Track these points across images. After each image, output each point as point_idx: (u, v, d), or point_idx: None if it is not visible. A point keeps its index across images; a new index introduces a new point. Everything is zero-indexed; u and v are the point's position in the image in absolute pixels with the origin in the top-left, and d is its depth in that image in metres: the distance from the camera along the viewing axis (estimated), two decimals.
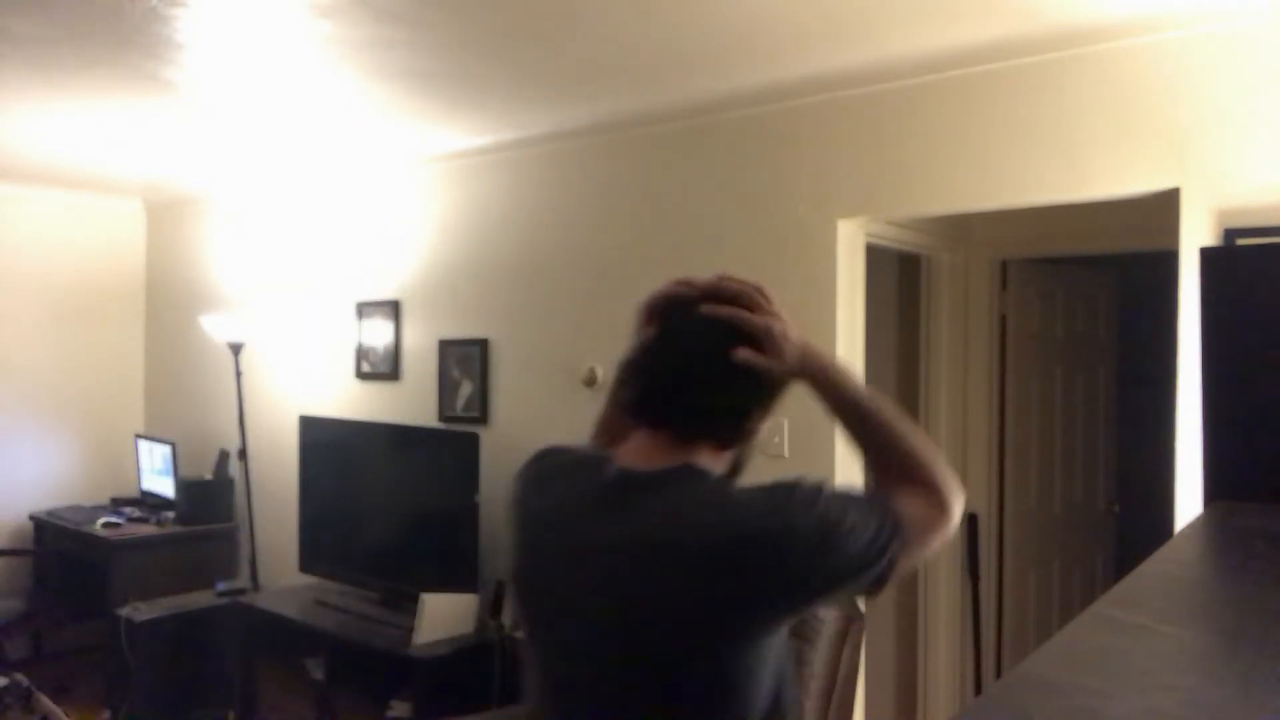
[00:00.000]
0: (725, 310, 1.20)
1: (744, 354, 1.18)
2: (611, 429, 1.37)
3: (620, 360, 1.28)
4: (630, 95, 3.40)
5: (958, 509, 1.23)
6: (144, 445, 5.58)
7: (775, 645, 1.15)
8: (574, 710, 1.22)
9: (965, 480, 4.11)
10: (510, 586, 1.35)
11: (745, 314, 1.20)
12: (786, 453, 3.29)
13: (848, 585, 1.14)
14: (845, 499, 1.16)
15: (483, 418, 4.21)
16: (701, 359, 1.21)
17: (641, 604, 1.12)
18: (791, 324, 1.23)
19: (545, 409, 4.04)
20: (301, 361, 5.04)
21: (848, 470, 3.08)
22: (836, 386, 1.25)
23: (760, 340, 1.20)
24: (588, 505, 1.21)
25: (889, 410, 1.25)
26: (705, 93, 3.33)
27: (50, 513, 5.30)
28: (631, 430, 1.25)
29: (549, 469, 1.31)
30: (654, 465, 1.19)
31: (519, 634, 3.71)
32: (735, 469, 1.27)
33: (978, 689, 4.10)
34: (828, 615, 2.29)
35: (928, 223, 3.83)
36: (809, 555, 1.09)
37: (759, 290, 1.24)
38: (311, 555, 4.54)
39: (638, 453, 1.22)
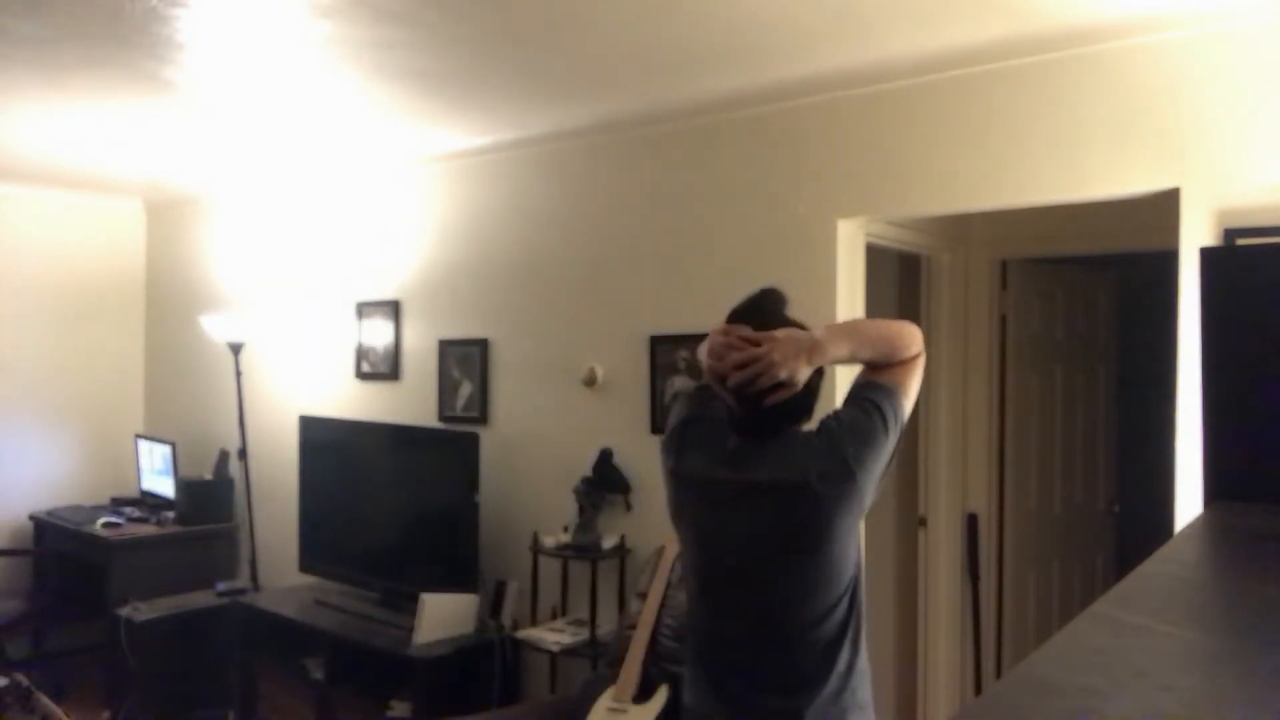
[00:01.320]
0: (756, 390, 1.70)
1: (772, 399, 1.72)
2: None
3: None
4: (630, 95, 3.40)
5: (921, 346, 1.84)
6: (144, 445, 5.58)
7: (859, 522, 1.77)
8: (741, 592, 1.80)
9: (965, 480, 4.13)
10: (673, 520, 1.93)
11: (760, 382, 1.69)
12: None
13: (893, 453, 1.75)
14: (859, 412, 1.74)
15: (483, 418, 4.21)
16: (769, 414, 1.75)
17: (785, 519, 1.73)
18: (783, 346, 1.69)
19: (545, 409, 4.04)
20: (301, 361, 5.04)
21: None
22: (839, 359, 1.77)
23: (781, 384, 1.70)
24: (724, 462, 1.80)
25: (873, 336, 1.80)
26: (705, 93, 3.33)
27: (50, 513, 5.30)
28: None
29: (687, 441, 1.87)
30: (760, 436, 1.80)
31: (519, 634, 3.73)
32: None
33: (978, 689, 4.10)
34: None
35: (928, 223, 3.83)
36: (869, 470, 1.70)
37: (756, 343, 1.71)
38: (311, 555, 4.54)
39: None
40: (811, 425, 1.80)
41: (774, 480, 1.73)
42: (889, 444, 1.73)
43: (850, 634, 1.74)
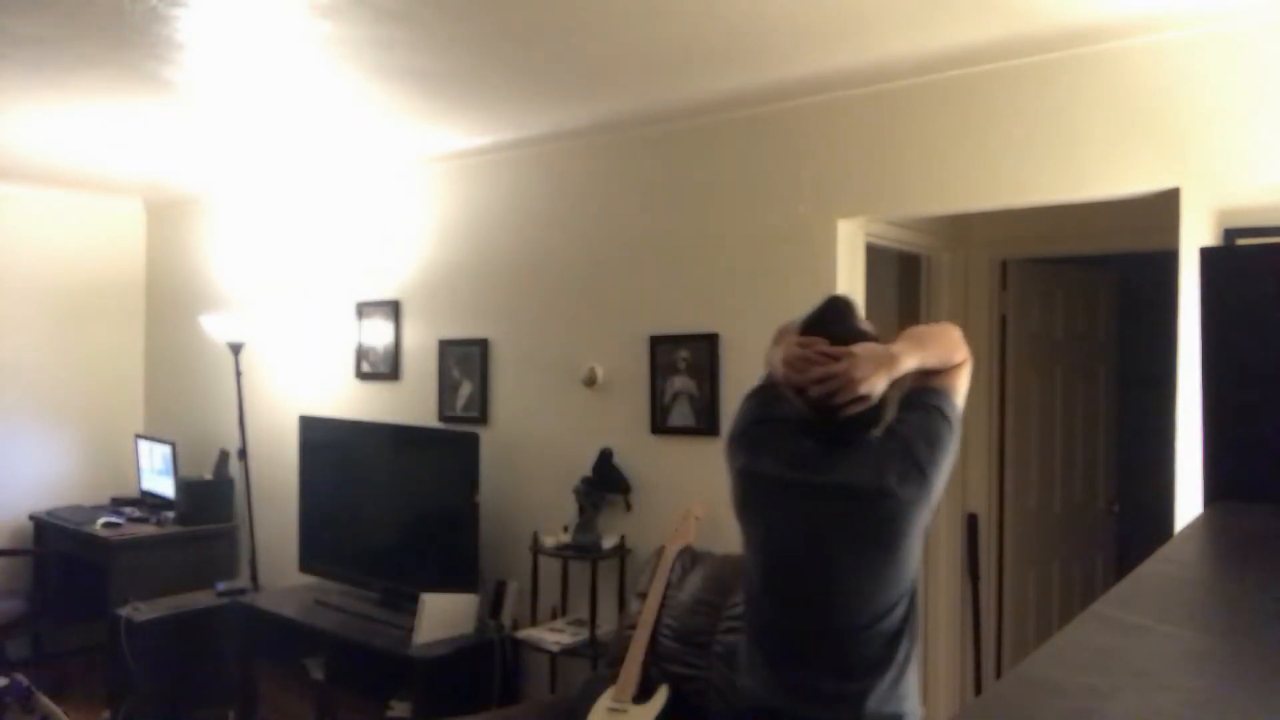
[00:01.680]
0: (835, 403, 1.79)
1: (850, 411, 1.80)
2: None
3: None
4: (630, 95, 3.40)
5: (968, 350, 1.94)
6: (144, 445, 5.58)
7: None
8: (811, 587, 1.88)
9: (965, 480, 4.13)
10: (738, 515, 2.00)
11: (840, 397, 1.77)
12: None
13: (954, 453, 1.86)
14: (924, 416, 1.84)
15: (483, 418, 4.21)
16: (846, 423, 1.83)
17: (863, 520, 1.82)
18: (863, 362, 1.77)
19: (545, 409, 4.04)
20: (301, 361, 5.04)
21: None
22: (910, 370, 1.83)
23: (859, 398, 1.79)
24: (797, 463, 1.88)
25: (935, 345, 1.89)
26: (705, 93, 3.33)
27: (50, 513, 5.30)
28: None
29: (757, 440, 1.95)
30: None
31: (519, 634, 3.72)
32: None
33: (978, 689, 4.10)
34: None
35: (928, 223, 3.83)
36: (940, 470, 1.81)
37: (836, 359, 1.78)
38: (311, 555, 4.54)
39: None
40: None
41: (851, 483, 1.82)
42: (954, 444, 1.85)
43: (910, 625, 1.85)
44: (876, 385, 1.78)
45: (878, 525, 1.81)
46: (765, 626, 1.96)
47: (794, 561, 1.91)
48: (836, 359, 1.78)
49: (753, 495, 1.96)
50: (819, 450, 1.87)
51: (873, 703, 1.81)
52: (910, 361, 1.83)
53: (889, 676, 1.82)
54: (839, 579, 1.85)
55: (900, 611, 1.84)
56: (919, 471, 1.79)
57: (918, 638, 1.89)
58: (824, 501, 1.85)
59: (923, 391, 1.88)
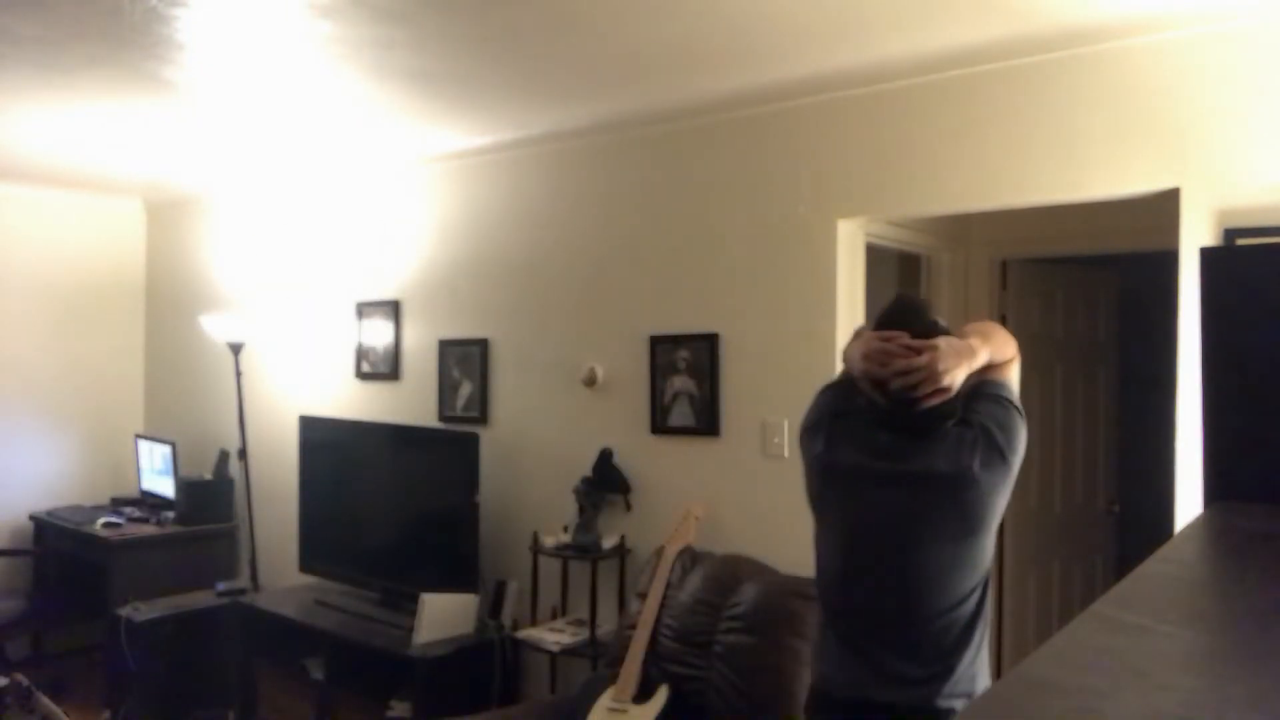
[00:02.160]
0: (918, 395, 1.84)
1: (930, 402, 1.84)
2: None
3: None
4: (630, 95, 3.40)
5: (1017, 348, 2.03)
6: (144, 445, 5.58)
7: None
8: (895, 574, 1.93)
9: None
10: (814, 506, 2.06)
11: (923, 389, 1.82)
12: (786, 453, 3.30)
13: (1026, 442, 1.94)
14: (996, 406, 1.91)
15: (483, 418, 4.21)
16: (927, 414, 1.88)
17: (947, 507, 1.88)
18: (946, 355, 1.82)
19: (545, 409, 4.04)
20: (301, 361, 5.04)
21: None
22: (982, 364, 1.90)
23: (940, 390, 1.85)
24: (878, 454, 1.93)
25: (996, 340, 1.96)
26: (705, 93, 3.33)
27: (50, 513, 5.30)
28: None
29: (837, 433, 2.00)
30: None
31: (519, 634, 3.72)
32: None
33: None
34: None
35: (928, 223, 3.83)
36: (1018, 456, 1.90)
37: (918, 352, 1.83)
38: (311, 555, 4.54)
39: None
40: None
41: (935, 471, 1.88)
42: (1024, 431, 1.93)
43: (984, 608, 1.95)
44: (958, 377, 1.84)
45: (961, 511, 1.87)
46: (845, 613, 2.01)
47: (877, 549, 1.95)
48: (919, 352, 1.83)
49: (831, 485, 2.01)
50: (899, 441, 1.91)
51: (950, 684, 1.89)
52: (985, 355, 1.90)
53: (967, 657, 1.91)
54: (923, 565, 1.90)
55: (977, 595, 1.92)
56: (1001, 457, 1.86)
57: (989, 619, 1.98)
58: (907, 489, 1.90)
59: (988, 384, 1.95)
